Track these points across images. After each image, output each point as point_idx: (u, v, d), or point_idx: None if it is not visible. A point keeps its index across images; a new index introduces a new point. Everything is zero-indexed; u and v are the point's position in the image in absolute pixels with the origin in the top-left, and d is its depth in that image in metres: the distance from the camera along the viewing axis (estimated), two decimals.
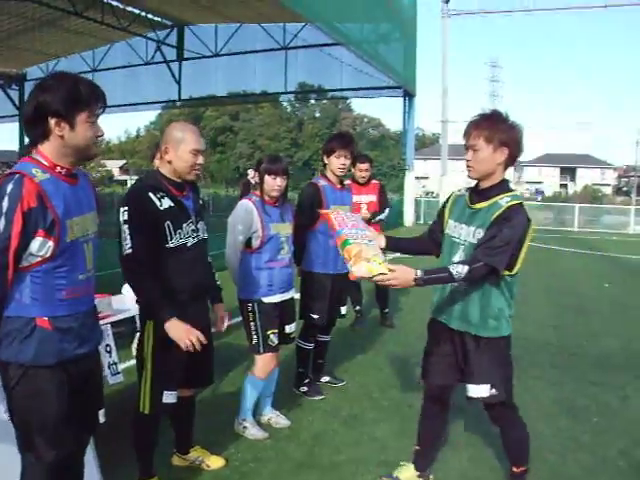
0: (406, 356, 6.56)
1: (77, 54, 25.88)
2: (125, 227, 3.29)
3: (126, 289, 4.97)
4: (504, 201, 3.26)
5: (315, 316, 5.22)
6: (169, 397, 3.55)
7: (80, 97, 2.52)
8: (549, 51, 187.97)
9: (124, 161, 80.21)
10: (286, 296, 4.60)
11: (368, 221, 7.35)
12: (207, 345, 3.78)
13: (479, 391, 3.43)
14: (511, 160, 3.33)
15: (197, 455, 4.04)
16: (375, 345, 7.11)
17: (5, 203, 2.39)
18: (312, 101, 67.52)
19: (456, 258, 3.37)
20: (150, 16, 21.97)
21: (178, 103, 28.20)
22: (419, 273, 3.12)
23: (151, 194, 3.38)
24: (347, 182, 5.56)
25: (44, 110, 2.48)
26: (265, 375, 4.52)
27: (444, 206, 3.67)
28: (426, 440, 3.84)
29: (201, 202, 3.74)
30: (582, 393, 5.64)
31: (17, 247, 2.42)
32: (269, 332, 4.44)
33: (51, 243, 2.49)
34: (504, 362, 3.48)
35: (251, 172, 4.61)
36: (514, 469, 3.67)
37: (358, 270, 3.08)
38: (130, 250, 3.28)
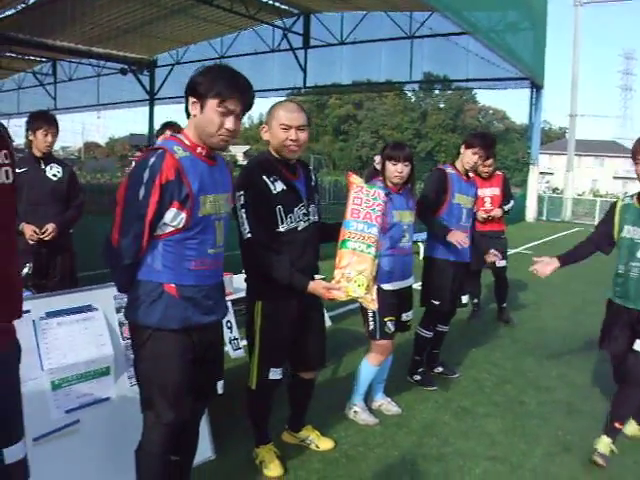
0: (522, 353, 6.44)
1: (205, 41, 26.68)
2: (242, 211, 3.36)
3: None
4: None
5: (436, 302, 5.17)
6: (275, 374, 3.64)
7: (214, 85, 2.63)
8: None
9: (248, 147, 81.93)
10: (405, 284, 4.61)
11: (485, 220, 7.26)
12: (318, 327, 3.86)
13: None
14: None
15: (307, 434, 4.12)
16: (490, 340, 6.99)
17: (146, 174, 2.56)
18: (436, 91, 66.45)
19: (639, 254, 4.00)
20: (277, 4, 22.33)
21: (302, 90, 28.50)
22: None
23: (265, 177, 3.42)
24: (471, 175, 5.47)
25: (188, 89, 2.69)
26: (379, 361, 4.55)
27: (610, 214, 4.24)
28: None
29: (313, 184, 3.70)
30: None
31: (153, 215, 2.59)
32: (386, 319, 4.46)
33: (184, 215, 2.63)
34: None
35: (377, 158, 4.61)
36: (617, 424, 4.11)
37: (337, 291, 3.29)
38: (250, 235, 3.35)
